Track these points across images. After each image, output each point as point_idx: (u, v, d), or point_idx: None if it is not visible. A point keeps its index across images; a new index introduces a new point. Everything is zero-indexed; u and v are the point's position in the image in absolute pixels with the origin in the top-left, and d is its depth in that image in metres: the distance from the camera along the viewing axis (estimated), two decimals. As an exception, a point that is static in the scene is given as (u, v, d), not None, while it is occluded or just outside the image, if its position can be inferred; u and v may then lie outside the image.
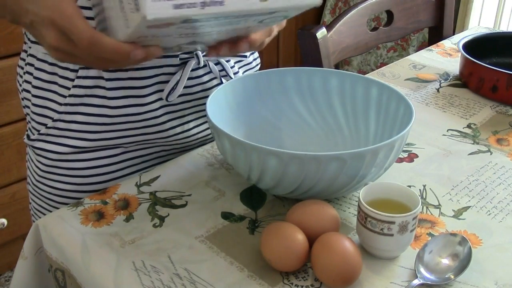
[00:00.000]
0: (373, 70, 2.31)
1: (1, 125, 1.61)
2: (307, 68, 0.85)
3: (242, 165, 0.68)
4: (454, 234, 0.65)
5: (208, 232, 0.68)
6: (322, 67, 1.15)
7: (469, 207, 0.74)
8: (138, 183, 0.77)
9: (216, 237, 0.67)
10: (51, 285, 0.73)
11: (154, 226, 0.69)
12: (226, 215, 0.71)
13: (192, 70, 0.80)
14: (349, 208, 0.73)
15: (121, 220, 0.70)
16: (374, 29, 1.30)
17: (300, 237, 0.61)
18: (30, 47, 0.79)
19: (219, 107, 0.77)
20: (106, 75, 0.75)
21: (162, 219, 0.70)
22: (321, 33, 1.14)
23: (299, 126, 0.85)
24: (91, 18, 0.70)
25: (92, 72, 0.75)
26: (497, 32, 1.28)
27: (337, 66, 1.53)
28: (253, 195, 0.75)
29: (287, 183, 0.66)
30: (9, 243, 1.76)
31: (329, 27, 1.18)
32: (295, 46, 2.51)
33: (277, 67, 0.85)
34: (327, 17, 2.51)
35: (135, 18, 0.50)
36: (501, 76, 1.00)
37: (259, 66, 0.95)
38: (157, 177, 0.78)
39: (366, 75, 1.01)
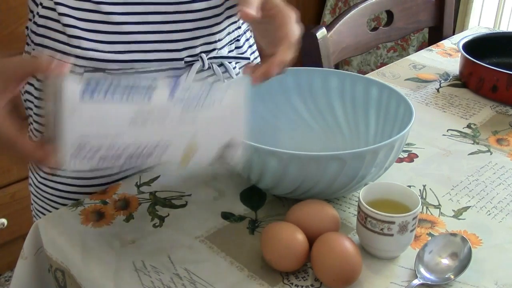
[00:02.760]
0: (373, 70, 2.31)
1: (1, 125, 1.61)
2: (307, 68, 0.85)
3: (242, 165, 0.68)
4: (454, 234, 0.65)
5: (208, 232, 0.68)
6: (322, 67, 1.15)
7: (469, 207, 0.74)
8: (138, 183, 0.77)
9: (216, 237, 0.67)
10: (51, 285, 0.73)
11: (154, 226, 0.69)
12: (226, 215, 0.71)
13: (197, 72, 0.80)
14: (349, 208, 0.73)
15: (121, 220, 0.70)
16: (374, 29, 1.30)
17: (300, 237, 0.61)
18: (33, 49, 0.78)
19: (219, 107, 0.77)
20: None
21: (162, 219, 0.70)
22: (321, 33, 1.14)
23: (299, 126, 0.85)
24: (83, 20, 0.71)
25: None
26: (497, 32, 1.28)
27: (337, 66, 1.53)
28: (253, 195, 0.75)
29: (287, 183, 0.66)
30: (9, 243, 1.76)
31: (329, 27, 1.18)
32: (295, 46, 2.50)
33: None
34: (327, 17, 2.51)
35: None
36: (501, 76, 1.00)
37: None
38: (157, 177, 0.78)
39: (366, 75, 1.01)
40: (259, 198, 0.74)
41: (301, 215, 0.64)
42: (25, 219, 1.75)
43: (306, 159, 0.62)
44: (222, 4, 0.80)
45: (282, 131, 0.85)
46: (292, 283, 0.61)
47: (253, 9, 0.58)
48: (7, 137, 0.54)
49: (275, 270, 0.62)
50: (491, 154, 0.86)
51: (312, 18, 2.57)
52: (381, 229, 0.61)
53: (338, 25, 1.20)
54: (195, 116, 0.48)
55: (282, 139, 0.83)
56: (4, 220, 1.71)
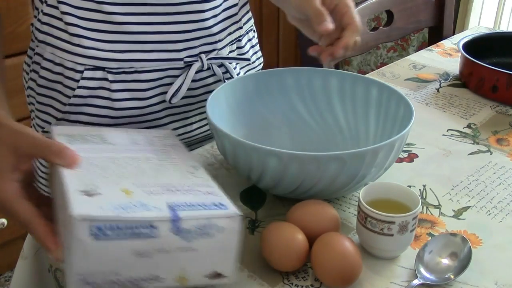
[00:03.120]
0: (373, 70, 2.31)
1: (1, 125, 1.61)
2: (307, 68, 0.85)
3: (242, 165, 0.68)
4: (454, 234, 0.65)
5: (208, 232, 0.68)
6: (322, 67, 1.15)
7: (469, 207, 0.74)
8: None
9: (216, 237, 0.67)
10: (51, 285, 0.73)
11: (154, 226, 0.69)
12: (226, 215, 0.71)
13: (196, 72, 0.80)
14: (349, 208, 0.73)
15: (121, 220, 0.70)
16: (374, 29, 1.30)
17: (300, 237, 0.61)
18: (37, 46, 0.79)
19: (219, 107, 0.77)
20: (110, 77, 0.76)
21: (162, 219, 0.70)
22: (321, 33, 1.14)
23: (299, 126, 0.85)
24: (85, 19, 0.72)
25: (98, 74, 0.76)
26: (497, 32, 1.28)
27: (337, 66, 1.53)
28: (253, 195, 0.75)
29: (287, 183, 0.66)
30: (9, 243, 1.76)
31: (329, 27, 1.18)
32: (295, 46, 2.51)
33: (277, 67, 0.86)
34: (327, 17, 2.51)
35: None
36: (501, 76, 1.00)
37: (261, 65, 0.95)
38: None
39: (366, 75, 1.01)
40: (259, 198, 0.74)
41: (301, 215, 0.64)
42: (25, 219, 1.75)
43: (306, 159, 0.62)
44: (220, 5, 0.80)
45: (282, 131, 0.85)
46: (292, 283, 0.61)
47: (328, 22, 0.66)
48: (23, 217, 0.55)
49: (275, 270, 0.62)
50: (491, 154, 0.86)
51: (312, 18, 2.57)
52: (381, 229, 0.61)
53: (338, 25, 1.20)
54: (190, 247, 0.53)
55: (282, 139, 0.83)
56: (4, 220, 1.71)
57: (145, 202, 0.53)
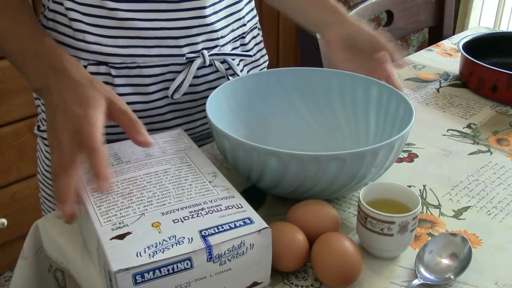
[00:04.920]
0: (373, 70, 2.31)
1: (1, 125, 1.61)
2: (307, 68, 0.85)
3: (242, 165, 0.68)
4: (454, 234, 0.65)
5: (208, 232, 0.68)
6: (322, 67, 1.15)
7: (469, 207, 0.74)
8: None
9: (216, 237, 0.67)
10: (51, 285, 0.73)
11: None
12: (226, 215, 0.71)
13: (198, 68, 0.81)
14: (349, 208, 0.73)
15: (121, 220, 0.70)
16: (374, 29, 1.30)
17: (300, 237, 0.61)
18: None
19: (219, 107, 0.77)
20: (114, 72, 0.77)
21: (162, 219, 0.70)
22: (321, 33, 1.14)
23: (299, 126, 0.85)
24: (88, 15, 0.74)
25: (101, 69, 0.77)
26: (497, 32, 1.27)
27: (337, 66, 1.54)
28: (253, 195, 0.75)
29: (287, 183, 0.66)
30: (9, 243, 1.76)
31: (329, 27, 1.18)
32: (295, 46, 2.50)
33: (277, 67, 0.86)
34: (327, 17, 2.51)
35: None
36: (501, 76, 1.00)
37: (267, 63, 0.95)
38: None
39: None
40: (259, 198, 0.74)
41: (301, 215, 0.64)
42: (25, 219, 1.75)
43: (306, 159, 0.62)
44: (221, 1, 0.80)
45: (283, 131, 0.85)
46: (292, 283, 0.61)
47: (405, 59, 0.79)
48: (94, 140, 0.58)
49: (275, 270, 0.62)
50: (491, 154, 0.86)
51: (312, 18, 2.56)
52: (381, 229, 0.61)
53: (338, 25, 1.19)
54: (225, 268, 0.56)
55: (282, 139, 0.83)
56: (4, 220, 1.71)
57: (176, 235, 0.55)
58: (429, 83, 1.10)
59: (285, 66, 0.86)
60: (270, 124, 0.85)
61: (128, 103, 0.78)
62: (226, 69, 0.84)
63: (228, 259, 0.55)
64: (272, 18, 2.39)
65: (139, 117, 0.79)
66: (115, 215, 0.58)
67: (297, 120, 0.85)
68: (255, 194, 0.75)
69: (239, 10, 0.85)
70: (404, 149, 0.86)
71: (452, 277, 0.61)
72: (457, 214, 0.72)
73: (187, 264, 0.53)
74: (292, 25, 2.45)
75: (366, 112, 0.82)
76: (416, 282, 0.60)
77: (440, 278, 0.61)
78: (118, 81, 0.77)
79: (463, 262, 0.62)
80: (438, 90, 1.07)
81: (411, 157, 0.84)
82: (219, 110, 0.76)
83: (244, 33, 0.87)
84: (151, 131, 0.81)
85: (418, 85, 1.09)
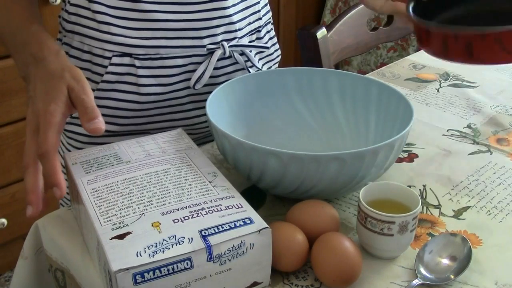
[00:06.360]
0: (373, 70, 2.31)
1: (1, 125, 1.61)
2: (307, 68, 0.85)
3: (242, 165, 0.68)
4: (454, 234, 0.65)
5: (208, 232, 0.68)
6: (322, 67, 1.15)
7: (469, 207, 0.74)
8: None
9: (216, 237, 0.67)
10: (51, 285, 0.73)
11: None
12: (226, 215, 0.71)
13: (218, 60, 0.83)
14: (349, 208, 0.73)
15: (121, 220, 0.70)
16: (374, 29, 1.30)
17: (300, 237, 0.61)
18: (65, 36, 0.83)
19: (219, 107, 0.77)
20: (137, 63, 0.79)
21: (162, 219, 0.70)
22: (321, 33, 1.14)
23: (299, 126, 0.85)
24: (113, 7, 0.76)
25: (125, 60, 0.78)
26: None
27: (337, 66, 1.53)
28: (253, 195, 0.75)
29: (287, 183, 0.66)
30: (9, 243, 1.76)
31: (329, 27, 1.18)
32: (295, 46, 2.50)
33: (277, 67, 0.87)
34: (327, 17, 2.51)
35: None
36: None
37: (279, 57, 0.96)
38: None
39: (366, 75, 1.00)
40: (259, 198, 0.74)
41: (301, 215, 0.64)
42: (25, 219, 1.74)
43: (306, 159, 0.62)
44: None
45: (283, 131, 0.85)
46: (292, 283, 0.61)
47: None
48: (49, 141, 0.57)
49: (275, 270, 0.62)
50: (491, 154, 0.86)
51: (312, 18, 2.57)
52: (381, 229, 0.61)
53: (338, 25, 1.20)
54: (226, 268, 0.56)
55: (283, 139, 0.84)
56: (4, 220, 1.71)
57: (176, 235, 0.55)
58: (429, 83, 1.10)
59: (285, 66, 0.86)
60: (270, 124, 0.85)
61: (150, 94, 0.81)
62: (245, 61, 0.85)
63: (228, 259, 0.55)
64: (272, 18, 2.39)
65: (160, 107, 0.82)
66: (115, 215, 0.58)
67: (297, 120, 0.85)
68: (255, 194, 0.75)
69: (256, 3, 0.88)
70: (404, 149, 0.86)
71: (452, 277, 0.61)
72: (457, 214, 0.72)
73: (187, 264, 0.53)
74: (292, 25, 2.45)
75: (366, 112, 0.82)
76: (416, 282, 0.60)
77: (440, 278, 0.61)
78: (141, 72, 0.79)
79: (463, 262, 0.62)
80: (438, 90, 1.07)
81: (411, 157, 0.84)
82: (219, 110, 0.76)
83: (259, 26, 0.89)
84: (171, 121, 0.84)
85: (418, 85, 1.09)
